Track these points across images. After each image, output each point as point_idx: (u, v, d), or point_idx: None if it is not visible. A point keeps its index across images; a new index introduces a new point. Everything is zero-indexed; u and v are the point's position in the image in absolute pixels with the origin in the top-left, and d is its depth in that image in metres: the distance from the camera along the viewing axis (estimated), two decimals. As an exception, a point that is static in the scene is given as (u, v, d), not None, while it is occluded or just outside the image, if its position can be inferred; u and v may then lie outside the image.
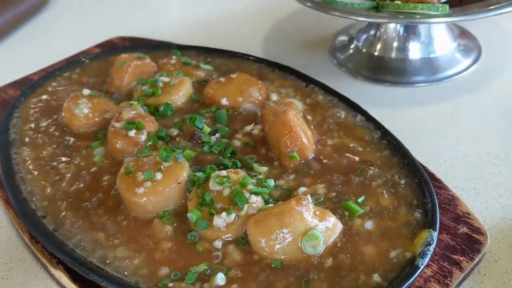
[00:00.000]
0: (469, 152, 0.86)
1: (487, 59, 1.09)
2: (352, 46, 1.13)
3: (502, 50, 1.12)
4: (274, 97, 0.88)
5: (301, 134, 0.74)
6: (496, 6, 0.85)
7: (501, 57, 1.09)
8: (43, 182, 0.77)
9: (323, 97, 0.88)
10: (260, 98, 0.87)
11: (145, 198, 0.67)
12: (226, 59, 1.01)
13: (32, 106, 0.94)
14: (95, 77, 1.01)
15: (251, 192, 0.66)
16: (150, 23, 1.43)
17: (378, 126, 0.79)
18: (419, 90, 1.02)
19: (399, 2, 0.87)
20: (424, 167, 0.77)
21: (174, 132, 0.81)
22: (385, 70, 1.06)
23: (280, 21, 1.34)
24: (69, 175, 0.78)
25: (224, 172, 0.68)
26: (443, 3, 0.90)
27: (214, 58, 1.02)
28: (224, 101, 0.86)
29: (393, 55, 1.06)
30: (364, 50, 1.10)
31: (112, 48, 1.15)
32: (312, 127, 0.81)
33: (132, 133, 0.77)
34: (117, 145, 0.78)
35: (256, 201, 0.65)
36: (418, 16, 0.85)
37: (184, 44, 1.16)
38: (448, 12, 0.84)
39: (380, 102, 1.00)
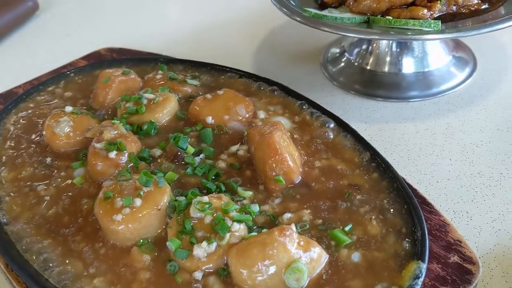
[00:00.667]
0: (463, 172, 0.83)
1: (483, 71, 1.06)
2: (344, 59, 1.10)
3: (497, 61, 1.09)
4: (261, 114, 0.86)
5: (287, 157, 0.71)
6: (490, 22, 0.82)
7: (496, 69, 1.07)
8: (21, 205, 0.74)
9: (312, 115, 0.85)
10: (247, 116, 0.84)
11: (123, 226, 0.65)
12: (214, 74, 0.99)
13: (13, 122, 0.91)
14: (79, 92, 0.98)
15: (234, 220, 0.63)
16: (140, 33, 1.40)
17: (367, 147, 0.77)
18: (412, 106, 0.99)
19: (390, 18, 0.85)
20: (415, 190, 0.74)
21: (157, 152, 0.79)
22: (378, 84, 1.03)
23: (272, 32, 1.31)
24: (48, 197, 0.75)
25: (206, 198, 0.65)
26: (436, 18, 0.87)
27: (202, 72, 1.00)
28: (209, 120, 0.83)
29: (386, 69, 1.03)
30: (356, 64, 1.07)
31: (99, 60, 1.12)
32: (299, 147, 0.78)
33: (112, 154, 0.75)
34: (97, 167, 0.75)
35: (239, 229, 0.63)
36: (409, 33, 0.82)
37: (172, 56, 1.14)
38: (440, 29, 0.82)
39: (372, 117, 0.98)
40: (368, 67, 1.05)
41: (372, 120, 0.97)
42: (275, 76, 1.11)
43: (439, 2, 0.86)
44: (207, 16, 1.45)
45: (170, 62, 1.04)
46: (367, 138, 0.92)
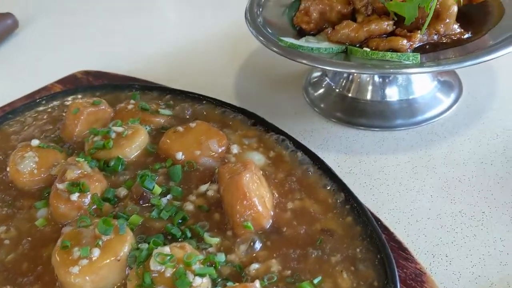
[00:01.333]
0: (443, 210, 0.80)
1: (468, 97, 1.03)
2: (325, 84, 1.07)
3: (484, 84, 1.06)
4: (235, 149, 0.82)
5: (256, 201, 0.68)
6: (472, 54, 0.78)
7: (482, 94, 1.03)
8: (-22, 250, 0.71)
9: (287, 150, 0.82)
10: (219, 151, 0.81)
11: (79, 279, 0.61)
12: (189, 102, 0.95)
13: (-23, 157, 0.88)
14: (50, 122, 0.95)
15: (196, 274, 0.60)
16: (119, 54, 1.36)
17: (342, 187, 0.73)
18: (394, 136, 0.96)
19: (368, 50, 0.81)
20: (391, 234, 0.71)
21: (123, 192, 0.75)
22: (360, 112, 1.00)
23: (253, 55, 1.27)
24: (8, 241, 0.72)
25: (167, 249, 0.62)
26: (416, 48, 0.84)
27: (177, 100, 0.96)
28: (180, 155, 0.80)
29: (368, 97, 1.00)
30: (337, 91, 1.04)
31: (72, 87, 1.09)
32: (272, 187, 0.75)
33: (74, 196, 0.71)
34: (59, 209, 0.72)
35: (201, 283, 0.59)
36: (387, 66, 0.79)
37: (150, 80, 1.11)
38: (419, 62, 0.78)
39: (352, 148, 0.94)
40: (350, 94, 1.02)
41: (352, 150, 0.94)
42: (256, 100, 1.09)
43: (419, 32, 0.83)
44: (188, 39, 1.40)
45: (145, 88, 1.00)
46: (346, 170, 0.89)
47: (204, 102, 0.94)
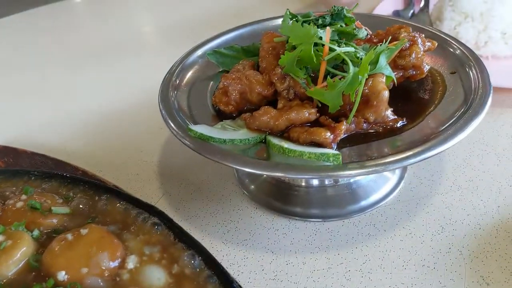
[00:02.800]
0: (375, 334, 0.68)
1: (413, 178, 0.93)
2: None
3: (429, 163, 0.95)
4: (131, 263, 0.69)
5: None
6: (406, 153, 0.68)
7: (427, 175, 0.93)
8: None
9: (193, 262, 0.69)
10: (112, 266, 0.68)
11: None
12: (92, 195, 0.83)
13: None
14: None
15: None
16: (32, 124, 1.23)
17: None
18: (328, 228, 0.84)
19: (284, 146, 0.70)
20: None
21: (-13, 328, 0.62)
22: (293, 199, 0.89)
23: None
24: None
25: None
26: (343, 140, 0.73)
27: (78, 191, 0.84)
28: (62, 275, 0.67)
29: (303, 182, 0.88)
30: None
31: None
32: (167, 318, 0.62)
33: None
34: None
35: None
36: (305, 168, 0.68)
37: (63, 156, 0.99)
38: (341, 163, 0.67)
39: (281, 245, 0.83)
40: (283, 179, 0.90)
41: (280, 248, 0.82)
42: (183, 175, 0.98)
43: (344, 122, 0.72)
44: (105, 105, 1.27)
45: (45, 176, 0.88)
46: (270, 276, 0.79)
47: (107, 195, 0.82)
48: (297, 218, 0.87)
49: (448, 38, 0.91)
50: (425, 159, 0.67)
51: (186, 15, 1.72)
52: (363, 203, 0.87)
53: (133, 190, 0.97)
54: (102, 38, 1.65)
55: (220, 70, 0.96)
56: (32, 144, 1.12)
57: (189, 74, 0.92)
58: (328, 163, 0.67)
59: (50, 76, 1.46)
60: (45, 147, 1.11)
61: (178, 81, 0.88)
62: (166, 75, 0.89)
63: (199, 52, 0.96)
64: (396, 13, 1.35)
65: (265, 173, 0.67)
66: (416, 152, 0.68)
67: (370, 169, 0.66)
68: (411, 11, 1.37)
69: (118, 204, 0.81)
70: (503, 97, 1.10)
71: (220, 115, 0.84)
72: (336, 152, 0.68)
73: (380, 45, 0.76)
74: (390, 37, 0.79)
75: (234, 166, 0.69)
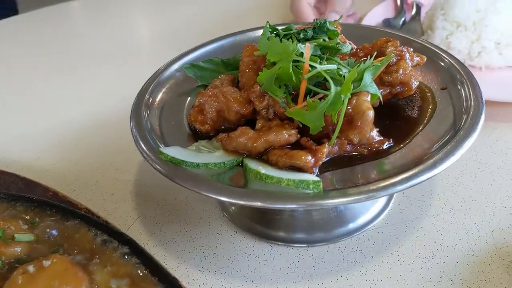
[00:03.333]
0: None
1: (403, 198, 0.88)
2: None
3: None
4: (97, 298, 0.64)
5: None
6: (393, 180, 0.63)
7: (418, 196, 0.88)
8: None
9: (164, 298, 0.64)
10: (75, 303, 0.63)
11: None
12: (59, 220, 0.77)
13: None
14: None
15: None
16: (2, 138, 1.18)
17: None
18: (312, 254, 0.79)
19: (262, 172, 0.65)
20: None
21: None
22: (275, 223, 0.83)
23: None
24: None
25: None
26: (326, 163, 0.68)
27: (45, 216, 0.78)
28: (20, 315, 0.61)
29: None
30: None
31: None
32: None
33: None
34: None
35: None
36: (283, 197, 0.62)
37: (33, 174, 0.93)
38: (321, 191, 0.62)
39: (261, 273, 0.77)
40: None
41: (260, 277, 0.77)
42: (160, 195, 0.93)
43: (326, 144, 0.67)
44: (81, 118, 1.20)
45: (11, 199, 0.82)
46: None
47: (75, 220, 0.76)
48: (279, 243, 0.82)
49: (438, 51, 0.86)
50: (413, 185, 0.62)
51: (173, 23, 1.67)
52: (351, 225, 0.82)
53: (107, 212, 0.92)
54: (82, 48, 1.60)
55: (199, 84, 0.91)
56: (4, 160, 1.07)
57: (165, 89, 0.87)
58: (308, 191, 0.62)
59: (24, 87, 1.40)
60: (17, 164, 1.06)
61: (151, 99, 0.83)
62: (139, 91, 0.84)
63: (176, 65, 0.91)
64: (387, 21, 1.30)
65: (240, 202, 0.62)
66: (404, 178, 0.63)
67: (354, 198, 0.61)
68: (402, 19, 1.32)
69: (86, 231, 0.76)
70: (497, 110, 1.05)
71: (196, 135, 0.79)
72: (317, 178, 0.63)
73: (365, 61, 0.71)
74: (375, 53, 0.74)
75: (206, 195, 0.64)
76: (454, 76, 0.81)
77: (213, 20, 1.64)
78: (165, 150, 0.70)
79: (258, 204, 0.61)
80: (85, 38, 1.70)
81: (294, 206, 0.61)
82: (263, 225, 0.84)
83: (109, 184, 0.98)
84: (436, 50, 0.87)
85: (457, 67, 0.82)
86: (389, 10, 1.37)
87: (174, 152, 0.70)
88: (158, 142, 0.74)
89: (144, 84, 0.86)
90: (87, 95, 1.31)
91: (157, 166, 0.69)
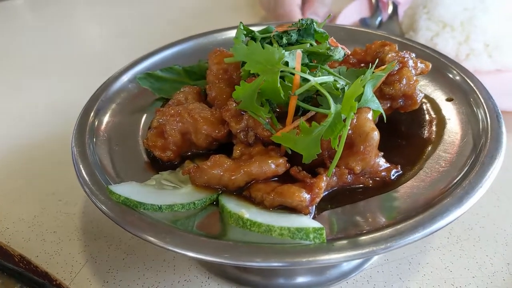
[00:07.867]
0: None
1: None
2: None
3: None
4: None
5: None
6: (408, 225, 0.50)
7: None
8: None
9: None
10: None
11: None
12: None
13: None
14: None
15: None
16: None
17: None
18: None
19: (246, 218, 0.50)
20: None
21: None
22: (257, 268, 0.68)
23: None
24: None
25: None
26: (325, 198, 0.54)
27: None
28: None
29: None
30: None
31: None
32: None
33: None
34: None
35: None
36: (271, 252, 0.48)
37: None
38: (324, 240, 0.48)
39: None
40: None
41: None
42: (113, 232, 0.77)
43: (324, 176, 0.53)
44: (15, 138, 1.02)
45: None
46: None
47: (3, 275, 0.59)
48: (257, 289, 0.67)
49: (441, 58, 0.74)
50: (437, 230, 0.49)
51: (124, 25, 1.49)
52: (345, 266, 0.68)
53: (48, 256, 0.75)
54: (10, 53, 1.39)
55: (157, 97, 0.75)
56: None
57: (114, 105, 0.71)
58: (307, 242, 0.48)
59: None
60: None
61: (98, 120, 0.67)
62: (82, 110, 0.67)
63: (128, 75, 0.75)
64: (363, 21, 1.18)
65: (220, 261, 0.47)
66: (425, 218, 0.49)
67: (366, 250, 0.47)
68: (379, 18, 1.21)
69: (15, 293, 0.59)
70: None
71: (155, 164, 0.63)
72: (318, 225, 0.49)
73: (361, 69, 0.58)
74: (377, 60, 0.61)
75: (174, 250, 0.48)
76: (461, 87, 0.69)
77: (171, 20, 1.47)
78: (117, 188, 0.54)
79: (245, 263, 0.46)
80: (17, 42, 1.49)
81: (291, 264, 0.47)
82: (239, 268, 0.69)
83: (51, 219, 0.81)
84: (441, 58, 0.75)
85: (463, 75, 0.70)
86: (363, 9, 1.25)
87: (128, 190, 0.54)
88: (107, 178, 0.57)
89: (89, 100, 0.69)
90: (19, 111, 1.12)
91: (105, 209, 0.53)
